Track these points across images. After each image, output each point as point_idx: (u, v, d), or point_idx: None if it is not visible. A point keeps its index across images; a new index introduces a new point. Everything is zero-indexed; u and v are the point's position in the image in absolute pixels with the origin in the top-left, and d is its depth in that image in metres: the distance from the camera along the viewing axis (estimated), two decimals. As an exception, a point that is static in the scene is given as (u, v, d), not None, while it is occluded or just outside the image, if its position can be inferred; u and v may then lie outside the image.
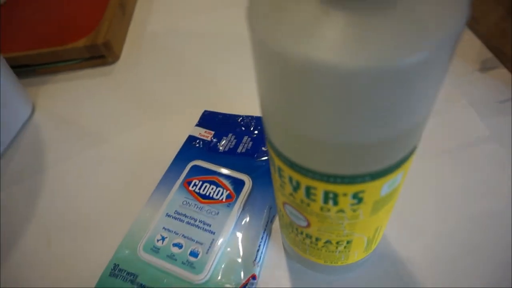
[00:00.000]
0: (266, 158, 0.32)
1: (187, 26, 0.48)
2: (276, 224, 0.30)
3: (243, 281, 0.26)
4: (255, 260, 0.27)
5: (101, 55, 0.44)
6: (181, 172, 0.32)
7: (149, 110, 0.39)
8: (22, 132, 0.39)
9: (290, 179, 0.18)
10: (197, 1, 0.52)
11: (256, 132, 0.34)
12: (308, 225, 0.21)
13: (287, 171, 0.18)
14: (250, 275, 0.26)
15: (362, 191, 0.17)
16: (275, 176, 0.20)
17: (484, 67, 0.37)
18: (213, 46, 0.45)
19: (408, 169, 0.17)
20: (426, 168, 0.31)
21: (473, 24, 0.38)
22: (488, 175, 0.30)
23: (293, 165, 0.17)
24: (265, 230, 0.28)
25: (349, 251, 0.22)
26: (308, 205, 0.19)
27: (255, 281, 0.26)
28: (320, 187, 0.17)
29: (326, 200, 0.18)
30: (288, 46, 0.12)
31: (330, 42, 0.12)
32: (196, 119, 0.37)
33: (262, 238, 0.28)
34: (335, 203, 0.18)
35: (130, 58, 0.45)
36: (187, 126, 0.37)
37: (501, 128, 0.32)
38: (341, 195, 0.17)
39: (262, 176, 0.31)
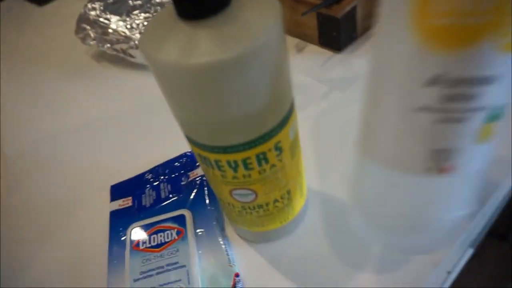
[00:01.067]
0: (189, 189, 0.36)
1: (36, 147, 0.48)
2: (229, 229, 0.34)
3: (232, 284, 0.29)
4: (229, 263, 0.30)
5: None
6: (124, 242, 0.33)
7: (50, 224, 0.38)
8: None
9: (228, 162, 0.23)
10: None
11: (166, 176, 0.37)
12: (256, 196, 0.26)
13: (223, 157, 0.23)
14: (233, 275, 0.29)
15: (279, 141, 0.23)
16: (214, 173, 0.25)
17: (299, 48, 0.49)
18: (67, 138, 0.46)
19: (296, 117, 0.24)
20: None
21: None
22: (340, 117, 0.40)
23: (226, 150, 0.22)
24: (223, 237, 0.32)
25: (291, 201, 0.28)
26: (250, 176, 0.24)
27: (239, 278, 0.30)
28: (253, 154, 0.22)
29: (260, 163, 0.23)
30: (153, 56, 0.19)
31: (181, 49, 0.18)
32: (105, 202, 0.38)
33: (224, 244, 0.31)
34: (266, 161, 0.23)
35: None
36: (103, 208, 0.37)
37: (333, 79, 0.44)
38: (267, 151, 0.23)
39: (196, 203, 0.34)
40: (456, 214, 0.23)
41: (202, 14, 0.18)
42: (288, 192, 0.27)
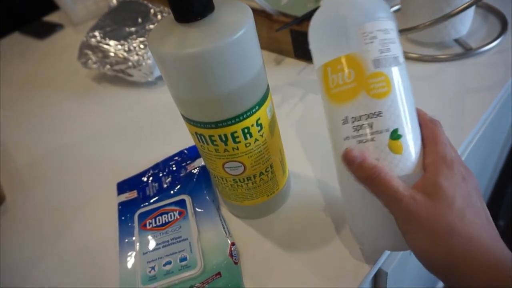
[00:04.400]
0: (188, 179, 0.41)
1: (47, 141, 0.53)
2: (224, 210, 0.39)
3: (228, 252, 0.34)
4: (226, 234, 0.35)
5: (-13, 202, 0.45)
6: (133, 225, 0.37)
7: (67, 217, 0.43)
8: None
9: (220, 136, 0.29)
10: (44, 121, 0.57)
11: (166, 170, 0.43)
12: (244, 169, 0.31)
13: (216, 132, 0.28)
14: (230, 244, 0.34)
15: (259, 118, 0.29)
16: (209, 149, 0.30)
17: (278, 61, 0.56)
18: (86, 138, 0.51)
19: (272, 101, 0.31)
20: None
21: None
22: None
23: (217, 125, 0.28)
24: (219, 215, 0.37)
25: (275, 175, 0.34)
26: (238, 148, 0.30)
27: (235, 246, 0.34)
28: (239, 128, 0.28)
29: (245, 136, 0.29)
30: (157, 49, 0.25)
31: (177, 43, 0.25)
32: (112, 198, 0.43)
33: (221, 219, 0.36)
34: (251, 135, 0.29)
35: (16, 192, 0.47)
36: (111, 203, 0.42)
37: (308, 84, 0.51)
38: (250, 126, 0.29)
39: (194, 190, 0.39)
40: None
41: (193, 18, 0.25)
42: (271, 166, 0.33)
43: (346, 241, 0.34)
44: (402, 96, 0.27)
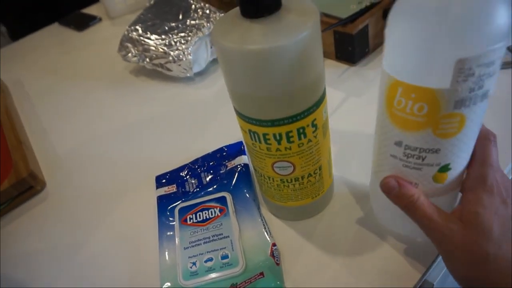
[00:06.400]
0: (228, 176, 0.40)
1: (84, 129, 0.54)
2: (264, 209, 0.38)
3: (269, 252, 0.33)
4: (267, 234, 0.35)
5: (29, 187, 0.45)
6: (173, 219, 0.37)
7: (105, 206, 0.43)
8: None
9: (274, 135, 0.28)
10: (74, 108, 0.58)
11: (206, 166, 0.42)
12: (294, 169, 0.31)
13: (271, 131, 0.28)
14: (271, 244, 0.34)
15: (315, 119, 0.28)
16: (260, 147, 0.30)
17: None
18: (119, 133, 0.52)
19: (327, 103, 0.30)
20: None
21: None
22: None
23: (273, 123, 0.27)
24: (260, 214, 0.37)
25: (322, 177, 0.33)
26: (290, 148, 0.29)
27: (276, 247, 0.34)
28: (294, 127, 0.28)
29: (299, 136, 0.29)
30: (220, 42, 0.25)
31: (241, 39, 0.24)
32: (150, 190, 0.43)
33: (262, 218, 0.36)
34: (305, 135, 0.29)
35: (56, 178, 0.48)
36: (149, 196, 0.42)
37: (349, 87, 0.50)
38: (306, 127, 0.28)
39: (235, 188, 0.39)
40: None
41: (259, 14, 0.25)
42: (320, 168, 0.32)
43: (392, 248, 0.33)
44: (470, 134, 0.25)
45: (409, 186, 0.27)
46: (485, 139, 0.27)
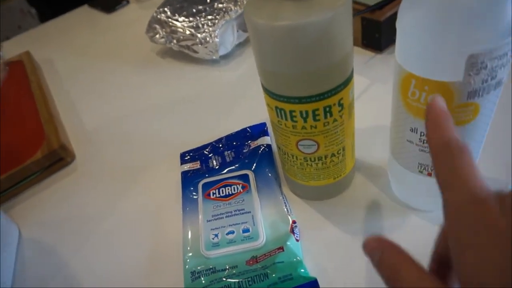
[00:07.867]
0: (251, 155, 0.41)
1: (113, 105, 0.56)
2: (285, 189, 0.39)
3: (289, 229, 0.34)
4: (287, 212, 0.35)
5: (59, 158, 0.47)
6: (197, 193, 0.39)
7: (130, 179, 0.45)
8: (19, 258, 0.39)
9: (301, 112, 0.29)
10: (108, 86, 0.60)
11: (229, 145, 0.43)
12: (318, 147, 0.31)
13: (297, 108, 0.28)
14: (291, 221, 0.35)
15: (341, 98, 0.29)
16: (286, 124, 0.30)
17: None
18: (150, 110, 0.53)
19: (353, 84, 0.30)
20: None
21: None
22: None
23: (301, 100, 0.28)
24: (281, 193, 0.37)
25: (345, 158, 0.34)
26: (315, 127, 0.30)
27: (296, 224, 0.35)
28: (321, 105, 0.28)
29: (325, 115, 0.29)
30: (251, 18, 0.25)
31: (273, 15, 0.25)
32: (175, 167, 0.44)
33: (283, 197, 0.37)
34: (331, 114, 0.29)
35: (84, 152, 0.50)
36: (174, 171, 0.44)
37: (375, 75, 0.50)
38: (332, 106, 0.29)
39: (257, 167, 0.40)
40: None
41: (292, -8, 0.25)
42: (343, 149, 0.33)
43: (411, 232, 0.33)
44: (484, 119, 0.25)
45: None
46: (443, 151, 0.18)
